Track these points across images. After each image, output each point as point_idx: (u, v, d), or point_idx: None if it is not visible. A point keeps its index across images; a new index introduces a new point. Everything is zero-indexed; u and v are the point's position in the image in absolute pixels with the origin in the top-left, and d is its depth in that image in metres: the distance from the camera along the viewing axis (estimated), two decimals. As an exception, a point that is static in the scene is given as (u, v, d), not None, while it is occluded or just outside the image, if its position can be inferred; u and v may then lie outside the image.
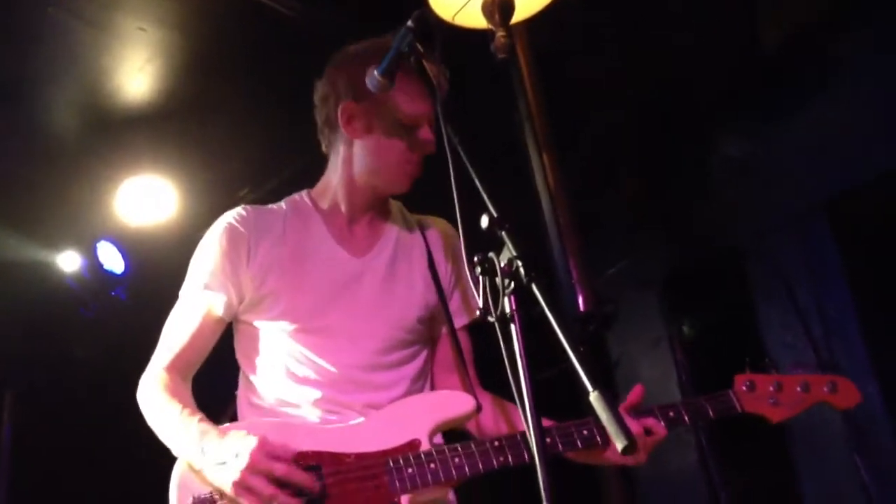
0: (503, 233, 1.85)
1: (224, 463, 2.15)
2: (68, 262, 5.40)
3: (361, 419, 2.35)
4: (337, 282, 2.48)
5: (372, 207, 2.59)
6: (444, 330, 2.60)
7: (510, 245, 1.82)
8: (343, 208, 2.58)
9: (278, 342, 2.47)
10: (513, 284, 1.78)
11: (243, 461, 2.11)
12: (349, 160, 2.55)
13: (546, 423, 2.26)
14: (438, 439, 2.39)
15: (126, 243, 5.36)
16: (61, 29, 4.23)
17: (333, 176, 2.61)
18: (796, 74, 4.59)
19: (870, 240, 4.36)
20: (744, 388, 2.53)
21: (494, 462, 2.26)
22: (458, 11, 3.08)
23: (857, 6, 4.31)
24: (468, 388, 2.50)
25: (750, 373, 2.55)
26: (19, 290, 5.28)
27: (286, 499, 2.12)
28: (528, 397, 1.68)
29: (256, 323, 2.49)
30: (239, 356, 2.57)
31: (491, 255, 1.83)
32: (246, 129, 4.80)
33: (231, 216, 2.54)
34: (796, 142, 4.60)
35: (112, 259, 5.35)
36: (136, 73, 4.58)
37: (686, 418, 2.46)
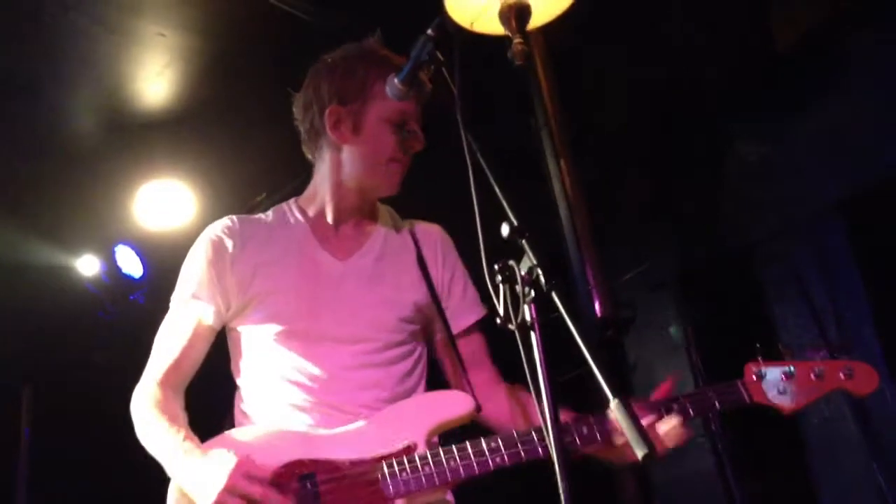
0: (523, 241, 1.86)
1: (204, 484, 2.16)
2: (87, 266, 5.43)
3: (359, 423, 2.35)
4: (321, 284, 2.49)
5: (359, 211, 2.62)
6: (462, 327, 2.61)
7: (530, 253, 1.83)
8: (329, 213, 2.61)
9: (266, 347, 2.48)
10: (533, 293, 1.79)
11: (220, 483, 2.12)
12: (337, 165, 2.59)
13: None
14: (434, 439, 2.39)
15: (144, 247, 5.39)
16: (82, 34, 4.26)
17: (321, 183, 2.64)
18: (810, 73, 4.57)
19: (885, 239, 4.34)
20: (754, 377, 2.42)
21: (490, 464, 2.26)
22: (475, 18, 3.10)
23: (871, 5, 4.29)
24: (468, 387, 2.48)
25: (762, 360, 2.43)
26: (39, 293, 5.32)
27: None
28: (549, 405, 1.69)
29: (243, 329, 2.52)
30: (232, 365, 2.59)
31: (511, 262, 1.84)
32: (264, 133, 4.80)
33: (216, 226, 2.59)
34: (810, 141, 4.58)
35: (130, 263, 5.38)
36: (156, 77, 4.60)
37: (690, 411, 2.36)
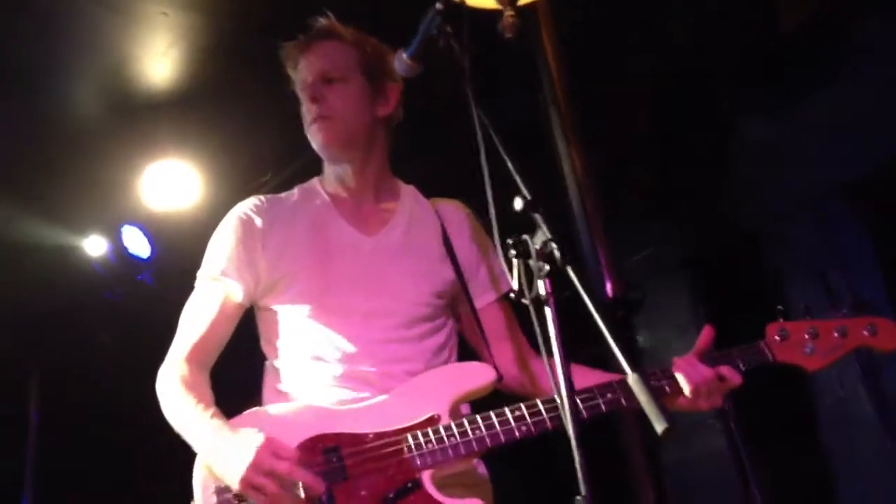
0: (537, 215, 1.84)
1: (231, 461, 2.16)
2: (94, 246, 5.42)
3: (382, 397, 2.35)
4: (350, 260, 2.50)
5: (367, 183, 2.63)
6: (486, 301, 2.61)
7: (544, 228, 1.81)
8: (343, 189, 2.64)
9: (296, 323, 2.49)
10: (547, 267, 1.77)
11: (247, 461, 2.12)
12: None
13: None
14: (466, 409, 2.40)
15: (151, 228, 5.38)
16: (84, 15, 4.24)
17: (325, 166, 2.70)
18: (816, 56, 4.55)
19: (893, 220, 4.32)
20: (776, 337, 2.39)
21: (516, 432, 2.25)
22: (473, -11, 3.07)
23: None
24: (491, 359, 2.49)
25: (783, 321, 2.40)
26: (45, 274, 5.32)
27: (291, 497, 2.13)
28: (564, 379, 1.66)
29: (274, 307, 2.52)
30: (262, 343, 2.60)
31: (525, 237, 1.82)
32: (269, 113, 4.77)
33: (245, 204, 2.61)
34: (816, 123, 4.56)
35: (137, 243, 5.37)
36: (160, 57, 4.58)
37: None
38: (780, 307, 2.43)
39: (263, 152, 4.99)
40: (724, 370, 2.33)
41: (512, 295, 1.83)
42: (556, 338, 1.71)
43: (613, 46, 4.76)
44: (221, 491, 2.21)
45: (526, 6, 3.51)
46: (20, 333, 5.38)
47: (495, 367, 2.41)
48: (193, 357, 2.45)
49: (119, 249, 5.34)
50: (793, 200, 4.72)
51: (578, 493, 1.62)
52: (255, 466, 2.12)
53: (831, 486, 4.41)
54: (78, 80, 4.69)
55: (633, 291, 4.20)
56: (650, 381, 2.21)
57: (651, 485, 4.15)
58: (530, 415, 2.26)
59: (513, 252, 1.82)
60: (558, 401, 1.69)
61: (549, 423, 2.25)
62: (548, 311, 1.74)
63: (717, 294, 5.05)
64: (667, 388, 2.31)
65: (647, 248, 5.36)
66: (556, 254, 1.77)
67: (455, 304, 2.63)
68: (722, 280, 5.04)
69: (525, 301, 1.78)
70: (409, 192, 2.72)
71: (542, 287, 1.75)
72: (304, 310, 2.47)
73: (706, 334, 2.39)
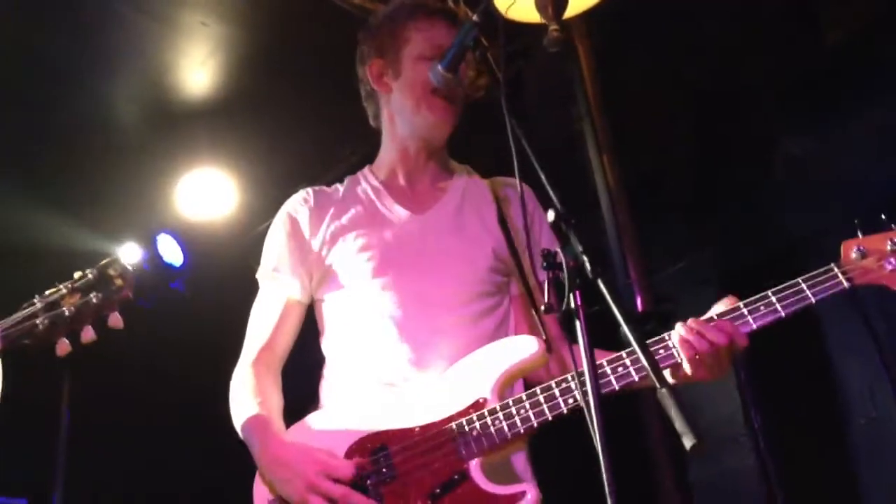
0: (569, 228, 1.84)
1: (286, 481, 2.20)
2: (129, 253, 5.48)
3: (429, 383, 2.30)
4: (401, 240, 2.48)
5: (430, 167, 2.61)
6: (517, 290, 2.53)
7: (575, 240, 1.81)
8: (400, 172, 2.62)
9: (350, 311, 2.48)
10: (578, 280, 1.76)
11: (302, 482, 2.16)
12: (391, 119, 2.62)
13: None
14: (520, 387, 2.31)
15: (185, 236, 5.43)
16: (126, 23, 4.30)
17: (385, 144, 2.67)
18: (860, 72, 4.50)
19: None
20: (853, 254, 2.09)
21: (563, 407, 2.14)
22: (511, 5, 3.08)
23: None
24: (542, 333, 2.34)
25: (861, 236, 2.11)
26: (81, 279, 5.37)
27: None
28: (593, 392, 1.66)
29: (326, 296, 2.53)
30: (320, 337, 2.59)
31: (556, 249, 1.82)
32: (304, 123, 4.83)
33: (292, 200, 2.62)
34: (856, 138, 4.52)
35: (171, 251, 5.42)
36: (198, 67, 4.63)
37: (780, 310, 2.10)
38: (857, 220, 2.16)
39: (297, 163, 5.02)
40: (728, 328, 2.11)
41: (542, 307, 1.82)
42: (586, 350, 1.70)
43: (652, 59, 4.75)
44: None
45: (564, 20, 3.53)
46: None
47: (546, 340, 2.28)
48: (261, 359, 2.48)
49: (153, 257, 5.40)
50: (832, 216, 4.67)
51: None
52: (311, 487, 2.15)
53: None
54: (118, 88, 4.75)
55: (664, 304, 4.17)
56: (656, 349, 2.13)
57: (680, 500, 4.12)
58: (578, 385, 2.10)
59: (544, 264, 1.82)
60: (588, 420, 1.67)
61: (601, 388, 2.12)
62: (577, 325, 1.73)
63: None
64: (675, 356, 2.13)
65: (681, 260, 5.33)
66: (587, 266, 1.77)
67: (508, 284, 2.55)
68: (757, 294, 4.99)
69: (556, 314, 1.78)
70: (463, 170, 2.69)
71: (572, 300, 1.75)
72: (352, 296, 2.46)
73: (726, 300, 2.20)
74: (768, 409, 4.16)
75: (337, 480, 2.16)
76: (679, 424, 1.55)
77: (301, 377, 2.59)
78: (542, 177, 1.96)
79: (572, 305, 1.72)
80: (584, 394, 1.72)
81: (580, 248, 1.79)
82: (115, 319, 2.38)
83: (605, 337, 1.81)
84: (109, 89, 4.74)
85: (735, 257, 5.11)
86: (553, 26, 2.62)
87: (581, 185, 4.25)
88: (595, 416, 1.65)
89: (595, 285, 1.76)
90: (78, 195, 5.14)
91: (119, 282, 2.38)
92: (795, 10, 4.57)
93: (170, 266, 5.41)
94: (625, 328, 1.66)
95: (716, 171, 5.15)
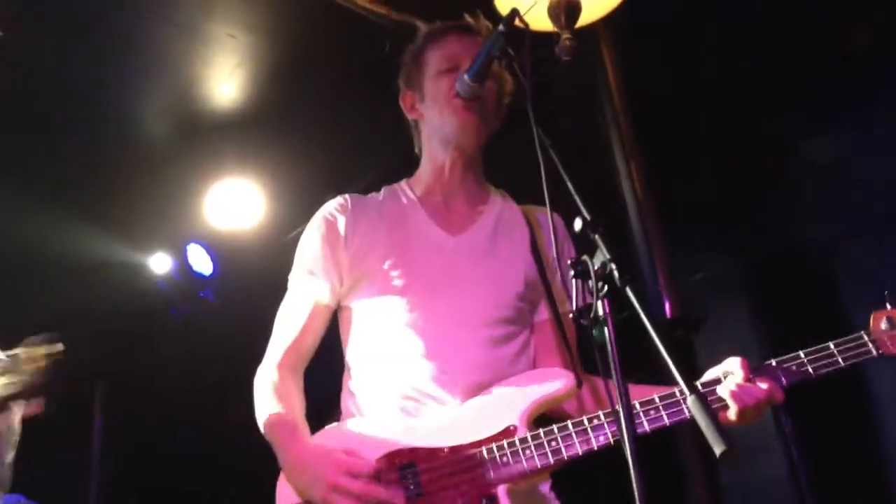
0: (596, 236, 1.84)
1: (307, 483, 2.21)
2: (159, 263, 5.54)
3: (458, 408, 2.32)
4: (433, 259, 2.50)
5: (464, 181, 2.63)
6: (545, 315, 2.56)
7: (603, 248, 1.81)
8: (437, 189, 2.63)
9: (375, 321, 2.49)
10: (606, 288, 1.77)
11: (323, 483, 2.16)
12: (428, 139, 2.67)
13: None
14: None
15: (215, 246, 5.47)
16: (157, 35, 4.33)
17: (424, 164, 2.70)
18: (882, 72, 4.46)
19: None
20: (883, 325, 2.12)
21: (594, 443, 2.19)
22: (525, 13, 3.09)
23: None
24: (570, 367, 2.42)
25: (891, 307, 2.13)
26: (112, 290, 5.44)
27: None
28: (623, 398, 1.66)
29: (353, 304, 2.54)
30: (343, 344, 2.60)
31: (584, 257, 1.82)
32: (332, 133, 4.85)
33: (330, 204, 2.63)
34: (884, 144, 4.48)
35: (201, 261, 5.46)
36: (226, 78, 4.66)
37: (810, 370, 2.22)
38: (887, 292, 2.20)
39: (326, 173, 5.04)
40: (769, 385, 2.23)
41: (570, 315, 1.83)
42: (614, 358, 1.71)
43: (673, 62, 4.74)
44: None
45: (586, 27, 3.53)
46: (88, 347, 5.50)
47: (576, 375, 2.34)
48: (285, 361, 2.49)
49: (183, 267, 5.45)
50: (859, 222, 4.63)
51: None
52: (332, 487, 2.15)
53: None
54: (147, 100, 4.78)
55: (694, 310, 4.15)
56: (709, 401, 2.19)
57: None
58: (609, 423, 2.19)
59: (572, 272, 1.82)
60: (619, 428, 1.67)
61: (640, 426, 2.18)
62: (606, 333, 1.74)
63: (780, 315, 4.97)
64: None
65: (709, 267, 5.30)
66: (615, 274, 1.77)
67: (533, 310, 2.58)
68: (785, 301, 4.96)
69: (584, 322, 1.79)
70: (499, 193, 2.72)
71: (600, 307, 1.75)
72: (381, 308, 2.47)
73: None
74: (799, 416, 4.12)
75: (357, 476, 2.17)
76: (708, 431, 1.55)
77: (319, 380, 2.60)
78: (569, 184, 1.97)
79: (600, 313, 1.73)
80: (612, 395, 1.72)
81: (608, 256, 1.79)
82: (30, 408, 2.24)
83: (631, 345, 1.81)
84: (138, 102, 4.78)
85: (763, 264, 5.08)
86: (566, 35, 2.63)
87: (608, 192, 4.24)
88: (633, 465, 1.65)
89: (623, 293, 1.76)
90: (109, 207, 5.19)
91: (32, 367, 2.24)
92: (818, 13, 4.54)
93: (199, 275, 5.46)
94: (653, 335, 1.66)
95: (740, 176, 5.12)
